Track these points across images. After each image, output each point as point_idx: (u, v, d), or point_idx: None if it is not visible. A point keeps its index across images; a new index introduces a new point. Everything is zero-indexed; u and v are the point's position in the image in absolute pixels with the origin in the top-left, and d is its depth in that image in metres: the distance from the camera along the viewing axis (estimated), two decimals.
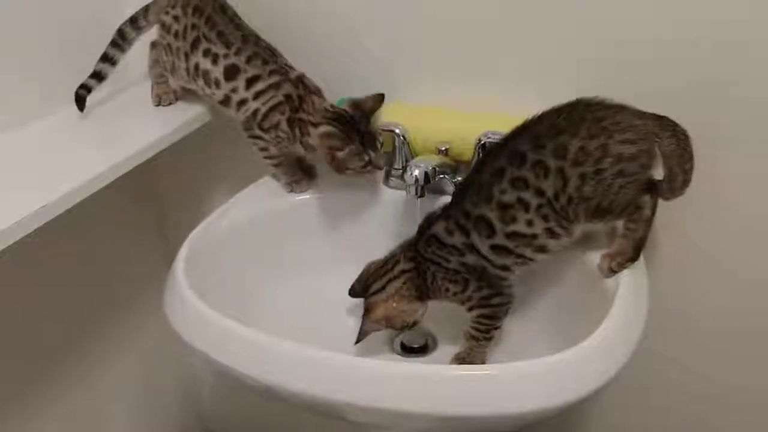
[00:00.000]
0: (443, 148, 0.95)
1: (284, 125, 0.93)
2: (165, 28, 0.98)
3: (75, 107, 1.00)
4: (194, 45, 0.95)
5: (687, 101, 0.86)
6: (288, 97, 0.92)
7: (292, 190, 0.99)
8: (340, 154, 0.89)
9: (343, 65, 1.01)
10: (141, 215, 1.27)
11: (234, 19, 0.96)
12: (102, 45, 1.00)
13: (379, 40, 1.00)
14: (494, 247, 0.80)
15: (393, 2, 0.98)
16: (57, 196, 0.82)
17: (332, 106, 0.92)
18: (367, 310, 0.86)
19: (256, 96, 0.93)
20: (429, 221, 0.85)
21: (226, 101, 0.95)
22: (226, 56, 0.93)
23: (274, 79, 0.93)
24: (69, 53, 1.03)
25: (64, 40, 1.03)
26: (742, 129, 0.88)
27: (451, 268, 0.83)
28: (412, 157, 0.96)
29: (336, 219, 1.00)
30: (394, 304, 0.85)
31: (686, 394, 1.08)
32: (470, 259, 0.81)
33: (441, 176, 0.93)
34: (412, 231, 0.93)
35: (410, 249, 0.86)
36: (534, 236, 0.78)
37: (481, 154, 0.91)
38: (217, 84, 0.95)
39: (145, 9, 1.00)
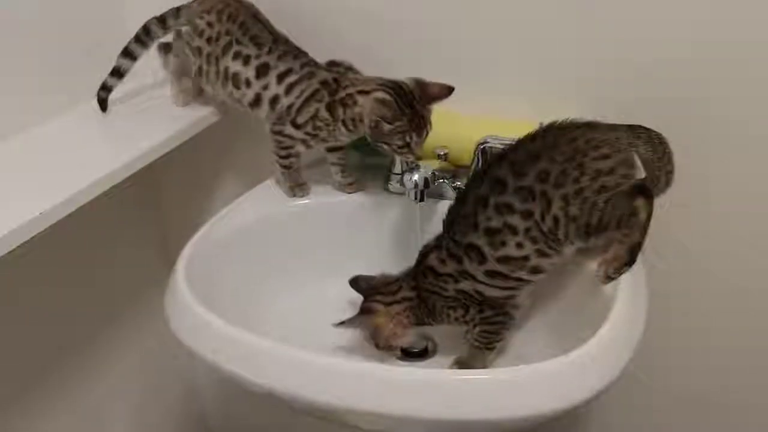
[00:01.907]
0: (442, 153, 0.96)
1: (323, 112, 0.91)
2: (197, 31, 0.98)
3: (76, 110, 1.01)
4: (225, 49, 0.95)
5: (679, 103, 0.88)
6: (324, 82, 0.91)
7: (294, 195, 1.00)
8: (385, 127, 0.86)
9: None
10: (143, 217, 1.28)
11: (267, 25, 0.97)
12: (102, 48, 1.01)
13: (375, 43, 1.00)
14: (489, 273, 0.81)
15: (391, 4, 0.98)
16: (62, 198, 0.82)
17: (383, 79, 0.89)
18: (366, 312, 0.87)
19: (289, 90, 0.93)
20: (424, 252, 0.86)
21: (257, 101, 0.95)
22: (257, 56, 0.94)
23: (306, 70, 0.93)
24: (76, 54, 1.04)
25: (69, 41, 1.03)
26: (729, 130, 0.90)
27: (450, 296, 0.83)
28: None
29: (336, 223, 1.00)
30: (391, 325, 0.86)
31: (687, 394, 1.08)
32: (465, 285, 0.82)
33: (440, 181, 0.94)
34: (411, 235, 0.94)
35: (411, 278, 0.86)
36: (526, 258, 0.79)
37: (480, 159, 0.92)
38: (248, 84, 0.95)
39: (177, 10, 1.00)
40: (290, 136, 0.94)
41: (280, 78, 0.93)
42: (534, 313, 0.91)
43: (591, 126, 0.79)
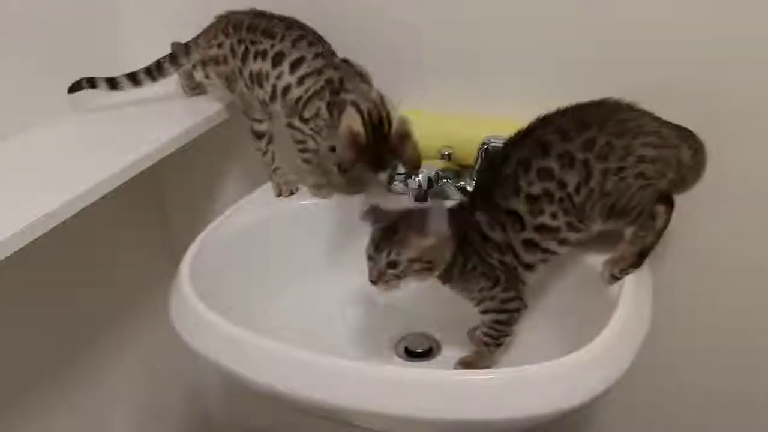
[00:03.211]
0: (446, 153, 0.96)
1: (324, 110, 0.90)
2: (217, 60, 0.98)
3: (78, 111, 1.01)
4: (244, 57, 0.95)
5: (688, 100, 0.87)
6: (329, 81, 0.90)
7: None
8: (345, 166, 0.84)
9: None
10: (146, 218, 1.28)
11: (275, 16, 0.96)
12: (106, 48, 1.01)
13: (379, 44, 1.00)
14: (524, 242, 0.79)
15: (394, 5, 0.98)
16: (66, 200, 0.82)
17: (382, 99, 0.86)
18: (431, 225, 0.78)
19: (300, 81, 0.92)
20: (468, 206, 0.82)
21: (273, 94, 0.94)
22: (272, 47, 0.92)
23: (318, 63, 0.91)
24: (76, 55, 1.04)
25: (69, 41, 1.04)
26: (742, 127, 0.89)
27: (492, 264, 0.81)
28: None
29: (339, 223, 1.00)
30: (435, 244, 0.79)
31: (691, 394, 1.08)
32: (508, 258, 0.80)
33: (444, 181, 0.94)
34: None
35: (456, 223, 0.80)
36: (557, 229, 0.78)
37: (483, 159, 0.92)
38: (267, 77, 0.94)
39: (186, 48, 1.01)
40: (301, 131, 0.94)
41: (293, 67, 0.92)
42: (538, 312, 0.90)
43: (644, 114, 0.80)
